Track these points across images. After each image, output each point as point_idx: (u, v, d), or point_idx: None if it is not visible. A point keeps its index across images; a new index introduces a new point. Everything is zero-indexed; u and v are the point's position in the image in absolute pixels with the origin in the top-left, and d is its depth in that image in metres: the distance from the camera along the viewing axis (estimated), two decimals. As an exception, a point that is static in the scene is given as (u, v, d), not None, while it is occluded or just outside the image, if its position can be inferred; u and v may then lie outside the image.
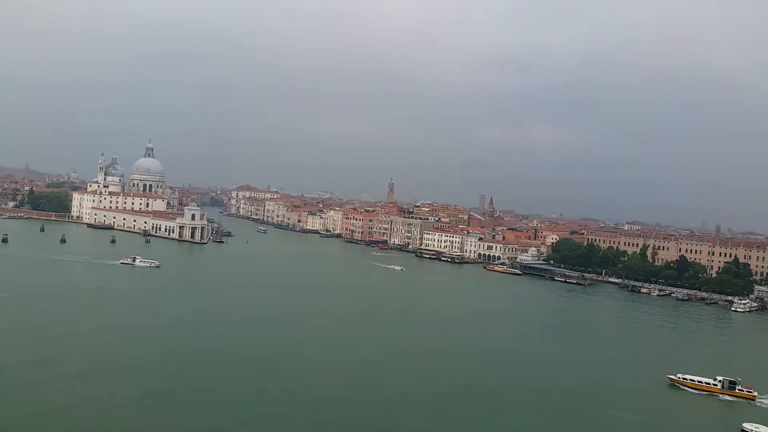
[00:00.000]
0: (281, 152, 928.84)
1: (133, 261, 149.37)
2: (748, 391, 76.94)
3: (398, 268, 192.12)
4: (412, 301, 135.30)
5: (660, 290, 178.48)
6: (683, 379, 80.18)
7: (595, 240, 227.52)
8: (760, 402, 75.43)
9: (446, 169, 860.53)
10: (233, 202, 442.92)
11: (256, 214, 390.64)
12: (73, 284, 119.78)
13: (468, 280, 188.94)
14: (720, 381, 78.53)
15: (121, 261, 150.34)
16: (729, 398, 77.02)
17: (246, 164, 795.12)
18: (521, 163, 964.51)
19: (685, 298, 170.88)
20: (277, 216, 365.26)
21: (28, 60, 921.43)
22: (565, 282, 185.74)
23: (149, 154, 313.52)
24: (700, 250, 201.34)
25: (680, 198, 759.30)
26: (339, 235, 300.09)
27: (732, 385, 77.84)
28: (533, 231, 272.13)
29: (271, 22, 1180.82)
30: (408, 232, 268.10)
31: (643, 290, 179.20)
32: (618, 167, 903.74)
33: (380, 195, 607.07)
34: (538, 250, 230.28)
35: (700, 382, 79.32)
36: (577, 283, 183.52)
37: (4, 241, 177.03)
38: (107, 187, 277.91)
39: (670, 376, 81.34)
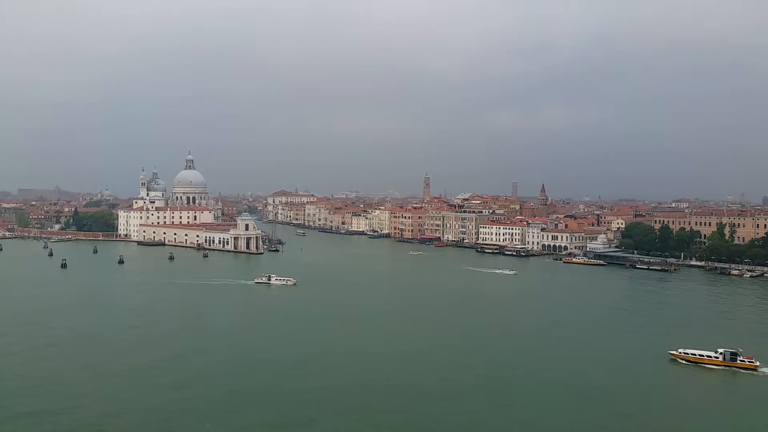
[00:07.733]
0: (300, 154, 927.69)
1: (269, 279, 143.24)
2: (749, 362, 75.94)
3: (509, 272, 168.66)
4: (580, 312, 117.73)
5: (750, 270, 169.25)
6: (684, 353, 79.34)
7: (666, 221, 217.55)
8: (762, 371, 74.36)
9: (468, 158, 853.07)
10: (270, 208, 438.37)
11: (296, 219, 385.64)
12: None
13: (564, 277, 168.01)
14: (721, 353, 77.53)
15: (257, 280, 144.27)
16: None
17: (269, 170, 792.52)
18: (541, 145, 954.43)
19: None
20: (319, 219, 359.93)
21: (52, 83, 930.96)
22: (648, 269, 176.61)
23: (189, 166, 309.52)
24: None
25: (708, 167, 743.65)
26: (387, 235, 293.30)
27: (733, 356, 76.71)
28: (596, 217, 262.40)
29: (281, 21, 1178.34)
30: (462, 227, 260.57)
31: (734, 272, 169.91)
32: (641, 141, 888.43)
33: (407, 190, 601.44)
34: (607, 237, 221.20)
35: (701, 355, 78.48)
36: (662, 270, 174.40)
37: (63, 266, 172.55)
38: (153, 202, 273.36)
39: (671, 352, 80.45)
